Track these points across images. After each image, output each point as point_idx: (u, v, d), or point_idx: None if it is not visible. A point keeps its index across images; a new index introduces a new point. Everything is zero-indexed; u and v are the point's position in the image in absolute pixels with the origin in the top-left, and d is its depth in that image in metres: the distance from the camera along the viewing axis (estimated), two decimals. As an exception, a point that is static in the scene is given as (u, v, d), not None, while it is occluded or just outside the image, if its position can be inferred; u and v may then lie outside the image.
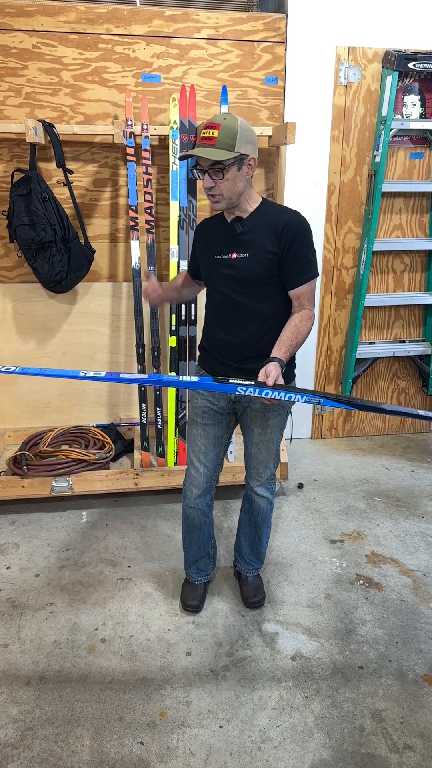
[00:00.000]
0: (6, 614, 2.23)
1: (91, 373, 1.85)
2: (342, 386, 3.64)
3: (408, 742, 1.76)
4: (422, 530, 2.79)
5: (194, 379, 1.85)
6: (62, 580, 2.43)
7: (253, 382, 1.75)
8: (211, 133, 1.73)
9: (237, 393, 1.76)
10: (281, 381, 1.76)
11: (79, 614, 2.24)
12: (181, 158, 1.88)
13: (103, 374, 1.87)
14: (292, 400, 1.74)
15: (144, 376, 1.91)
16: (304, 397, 1.75)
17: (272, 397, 1.73)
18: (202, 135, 1.76)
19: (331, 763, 1.70)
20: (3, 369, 1.81)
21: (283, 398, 1.73)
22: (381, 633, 2.17)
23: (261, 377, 1.77)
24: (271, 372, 1.75)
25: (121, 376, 1.91)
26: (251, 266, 1.87)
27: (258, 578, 2.36)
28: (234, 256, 1.88)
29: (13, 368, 1.83)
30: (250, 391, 1.74)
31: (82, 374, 1.85)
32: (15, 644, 2.10)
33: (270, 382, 1.73)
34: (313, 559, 2.57)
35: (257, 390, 1.73)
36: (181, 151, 2.77)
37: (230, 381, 1.78)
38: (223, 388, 1.78)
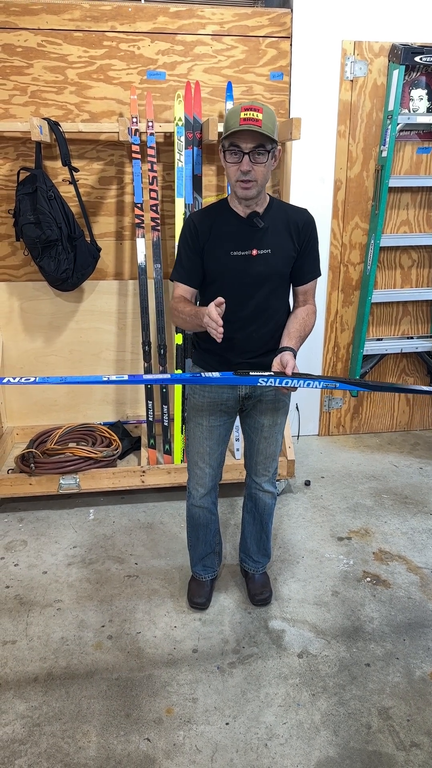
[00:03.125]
0: (14, 611, 2.25)
1: (114, 377, 1.84)
2: (349, 383, 3.62)
3: (415, 740, 1.75)
4: (430, 527, 2.77)
5: (216, 374, 1.83)
6: (69, 577, 2.44)
7: (272, 373, 1.77)
8: (255, 115, 1.65)
9: (258, 384, 1.77)
10: (297, 369, 1.78)
11: (86, 611, 2.25)
12: (227, 135, 1.69)
13: (126, 377, 1.88)
14: (311, 386, 1.78)
15: (167, 376, 1.91)
16: (322, 383, 1.81)
17: (291, 385, 1.76)
18: (244, 116, 1.65)
19: (337, 760, 1.70)
20: (23, 380, 1.77)
21: (302, 386, 1.77)
22: (388, 630, 2.16)
23: (276, 367, 1.79)
24: (288, 361, 1.77)
25: (144, 377, 1.93)
26: (274, 263, 1.85)
27: (265, 575, 2.35)
28: (254, 252, 1.83)
29: (32, 378, 1.79)
30: (271, 382, 1.76)
31: (105, 378, 1.83)
32: (23, 641, 2.11)
33: (289, 371, 1.76)
34: (320, 556, 2.57)
35: (277, 380, 1.75)
36: (186, 149, 2.77)
37: (251, 373, 1.78)
38: (245, 380, 1.79)
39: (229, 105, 2.85)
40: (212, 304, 1.68)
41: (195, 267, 1.89)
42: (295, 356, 1.82)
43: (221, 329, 1.66)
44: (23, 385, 1.83)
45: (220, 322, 1.66)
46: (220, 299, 1.69)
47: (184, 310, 1.85)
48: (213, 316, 1.66)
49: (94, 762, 1.69)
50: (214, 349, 1.96)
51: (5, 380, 1.79)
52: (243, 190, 1.76)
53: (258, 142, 1.68)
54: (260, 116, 1.66)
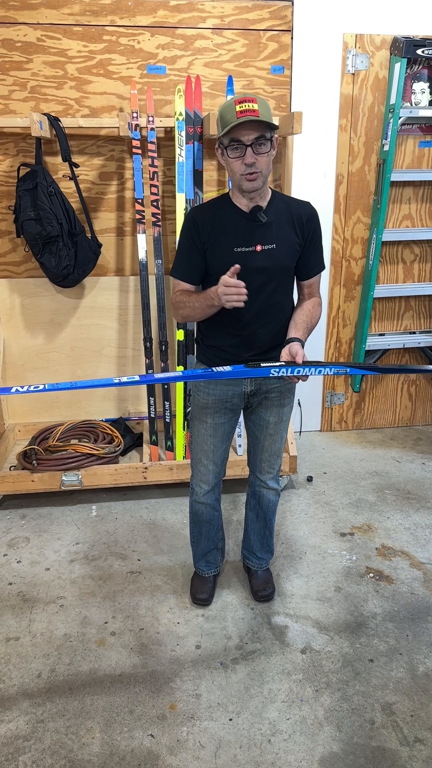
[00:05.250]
0: (17, 608, 2.25)
1: (125, 379, 1.80)
2: (351, 378, 3.61)
3: (419, 736, 1.75)
4: (433, 523, 2.77)
5: (228, 368, 1.83)
6: (72, 573, 2.44)
7: (283, 363, 1.77)
8: (250, 106, 1.65)
9: (270, 375, 1.77)
10: (307, 358, 1.79)
11: (89, 608, 2.25)
12: (227, 132, 1.67)
13: (137, 378, 1.84)
14: (322, 373, 1.79)
15: (178, 373, 1.89)
16: (332, 369, 1.81)
17: (303, 374, 1.76)
18: (240, 109, 1.65)
19: (341, 756, 1.70)
20: (32, 389, 1.71)
21: (313, 374, 1.77)
22: (391, 626, 2.15)
23: (285, 357, 1.79)
24: (297, 351, 1.78)
25: (156, 376, 1.90)
26: (280, 258, 1.84)
27: (268, 572, 2.35)
28: (259, 248, 1.81)
29: (41, 386, 1.72)
30: (282, 372, 1.76)
31: (116, 380, 1.80)
32: (26, 637, 2.11)
33: (299, 360, 1.76)
34: (323, 552, 2.56)
35: (288, 369, 1.75)
36: (187, 143, 2.75)
37: (261, 365, 1.77)
38: (257, 372, 1.79)
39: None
40: (225, 275, 1.67)
41: (197, 264, 1.86)
42: (303, 347, 1.82)
43: (243, 289, 1.66)
44: (32, 393, 1.76)
45: (240, 283, 1.65)
46: (237, 266, 1.67)
47: (189, 299, 1.84)
48: (230, 281, 1.66)
49: (98, 758, 1.69)
50: (219, 346, 1.95)
51: (13, 389, 1.73)
52: (249, 183, 1.74)
53: (259, 132, 1.67)
54: (255, 106, 1.66)
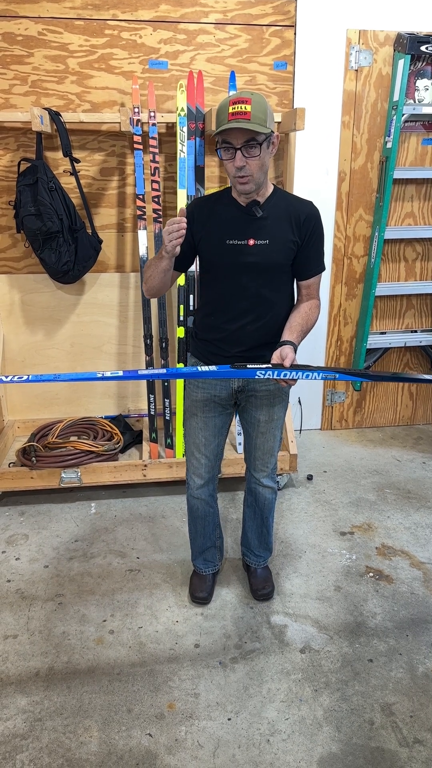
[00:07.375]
0: (15, 605, 2.24)
1: (108, 374, 1.80)
2: (352, 377, 3.60)
3: (418, 736, 1.74)
4: (433, 522, 2.76)
5: (213, 368, 1.82)
6: (71, 571, 2.43)
7: (270, 365, 1.75)
8: (243, 107, 1.63)
9: (256, 377, 1.75)
10: (296, 362, 1.77)
11: (87, 605, 2.24)
12: (217, 133, 1.68)
13: (121, 373, 1.83)
14: (310, 378, 1.76)
15: (163, 371, 1.89)
16: (321, 374, 1.79)
17: (290, 377, 1.74)
18: (232, 110, 1.64)
19: (340, 756, 1.69)
20: (15, 379, 1.73)
21: (300, 377, 1.75)
22: (391, 626, 2.15)
23: (275, 360, 1.77)
24: (287, 354, 1.76)
25: (140, 372, 1.89)
26: (272, 254, 1.82)
27: (267, 570, 2.34)
28: (251, 242, 1.80)
29: (25, 377, 1.74)
30: (269, 374, 1.74)
31: (99, 375, 1.80)
32: (24, 635, 2.10)
33: (287, 364, 1.74)
34: (323, 551, 2.55)
35: (275, 372, 1.73)
36: (189, 139, 2.73)
37: (248, 366, 1.76)
38: (242, 374, 1.77)
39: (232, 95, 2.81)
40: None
41: (182, 250, 1.81)
42: (295, 350, 1.80)
43: (184, 223, 1.65)
44: (16, 383, 1.78)
45: (182, 219, 1.65)
46: (182, 208, 1.69)
47: (148, 260, 1.88)
48: (173, 219, 1.65)
49: (96, 757, 1.68)
50: (209, 339, 1.95)
51: None
52: (241, 185, 1.75)
53: (248, 136, 1.66)
54: (249, 108, 1.64)
